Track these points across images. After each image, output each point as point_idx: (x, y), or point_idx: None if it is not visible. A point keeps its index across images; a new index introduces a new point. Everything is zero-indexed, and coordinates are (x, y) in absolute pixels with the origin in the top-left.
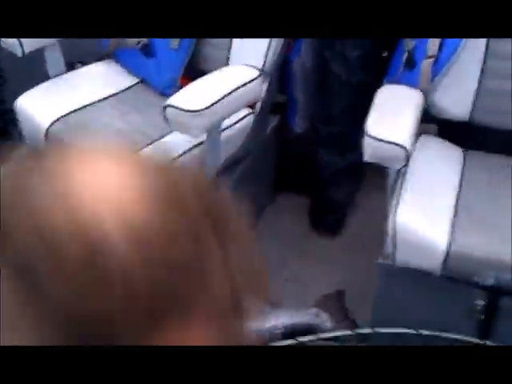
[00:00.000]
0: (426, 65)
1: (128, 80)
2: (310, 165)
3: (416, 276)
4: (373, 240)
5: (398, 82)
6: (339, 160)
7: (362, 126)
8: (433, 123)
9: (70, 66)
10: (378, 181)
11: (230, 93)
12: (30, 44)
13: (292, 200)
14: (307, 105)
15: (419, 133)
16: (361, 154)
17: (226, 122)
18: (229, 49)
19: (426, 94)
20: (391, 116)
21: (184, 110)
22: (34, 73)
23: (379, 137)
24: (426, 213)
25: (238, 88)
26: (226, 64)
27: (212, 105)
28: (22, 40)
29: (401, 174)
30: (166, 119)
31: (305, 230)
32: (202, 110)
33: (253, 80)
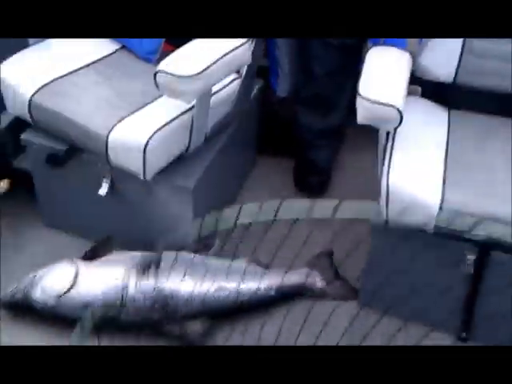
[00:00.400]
0: None
1: (110, 46)
2: (292, 127)
3: (408, 234)
4: (356, 200)
5: (384, 43)
6: (321, 122)
7: (344, 88)
8: (417, 84)
9: None
10: (359, 142)
11: (220, 57)
12: None
13: (276, 163)
14: (290, 68)
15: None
16: (342, 116)
17: (214, 88)
18: None
19: (414, 56)
20: (383, 77)
21: (176, 76)
22: (16, 41)
23: (372, 98)
24: (417, 171)
25: (228, 53)
26: None
27: (204, 70)
28: None
29: (390, 134)
30: (157, 85)
31: (290, 192)
32: (195, 75)
33: (242, 45)
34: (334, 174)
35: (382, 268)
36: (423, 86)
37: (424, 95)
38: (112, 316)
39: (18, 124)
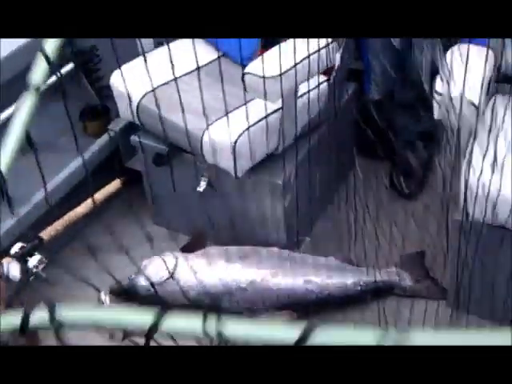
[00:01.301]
0: None
1: (211, 54)
2: (387, 130)
3: (490, 232)
4: (452, 201)
5: (470, 42)
6: (418, 124)
7: None
8: (507, 83)
9: (158, 43)
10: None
11: (304, 59)
12: None
13: (372, 164)
14: (383, 70)
15: (494, 92)
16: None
17: (303, 89)
18: None
19: (499, 53)
20: (461, 74)
21: (260, 76)
22: (126, 50)
23: (449, 94)
24: (499, 169)
25: (313, 53)
26: None
27: (288, 70)
28: None
29: (474, 132)
30: (244, 86)
31: (385, 193)
32: (279, 75)
33: (327, 45)
34: (430, 175)
35: (468, 267)
36: None
37: None
38: (205, 304)
39: (129, 128)
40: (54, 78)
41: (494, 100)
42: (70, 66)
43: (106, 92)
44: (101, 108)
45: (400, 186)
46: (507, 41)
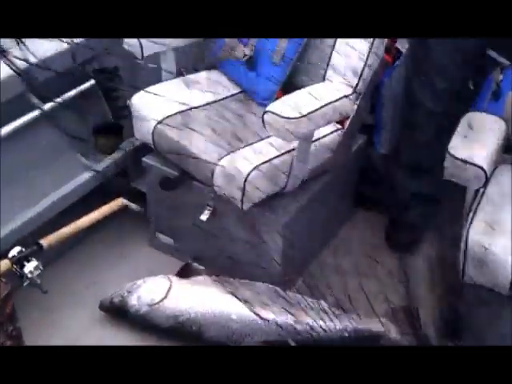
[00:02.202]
0: (510, 97)
1: (231, 89)
2: (389, 185)
3: (484, 294)
4: (443, 264)
5: (484, 112)
6: (419, 185)
7: (444, 156)
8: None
9: (180, 73)
10: (454, 211)
11: (324, 105)
12: (150, 48)
13: (371, 217)
14: (393, 128)
15: (501, 162)
16: (438, 183)
17: (316, 135)
18: (326, 66)
19: (510, 124)
20: (474, 139)
21: (282, 117)
22: (149, 75)
23: (461, 157)
24: (498, 233)
25: (332, 102)
26: (323, 80)
27: (307, 114)
28: (143, 43)
29: (478, 194)
30: (264, 124)
31: (380, 245)
32: (299, 117)
33: (346, 96)
34: (425, 236)
35: (456, 324)
36: None
37: None
38: (192, 331)
39: (142, 149)
40: (72, 93)
41: (499, 169)
42: (90, 83)
43: (121, 112)
44: (114, 126)
45: (395, 241)
46: None
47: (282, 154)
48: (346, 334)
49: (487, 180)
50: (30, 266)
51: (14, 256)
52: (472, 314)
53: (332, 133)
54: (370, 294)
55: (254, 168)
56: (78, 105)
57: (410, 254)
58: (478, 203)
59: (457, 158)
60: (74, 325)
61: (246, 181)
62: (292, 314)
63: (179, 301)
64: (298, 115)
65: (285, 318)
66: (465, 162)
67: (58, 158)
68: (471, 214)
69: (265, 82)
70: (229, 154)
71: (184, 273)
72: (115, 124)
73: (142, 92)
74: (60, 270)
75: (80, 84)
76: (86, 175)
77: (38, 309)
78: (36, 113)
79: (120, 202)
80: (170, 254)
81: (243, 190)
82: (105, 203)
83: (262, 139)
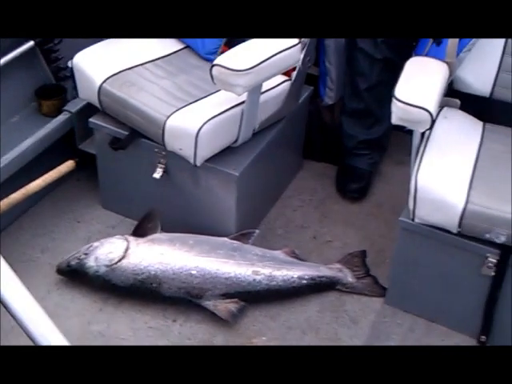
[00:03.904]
0: (452, 41)
1: (175, 45)
2: (337, 135)
3: (433, 233)
4: (392, 208)
5: (426, 55)
6: (364, 133)
7: (387, 102)
8: (456, 97)
9: None
10: (399, 156)
11: (271, 56)
12: None
13: (320, 167)
14: (338, 78)
15: (443, 105)
16: (384, 129)
17: (264, 87)
18: None
19: (451, 68)
20: (419, 83)
21: (230, 69)
22: None
23: (407, 101)
24: (446, 174)
25: (279, 52)
26: None
27: (255, 66)
28: None
29: (424, 138)
30: (212, 77)
31: (331, 195)
32: (247, 69)
33: (292, 46)
34: (374, 181)
35: (408, 267)
36: (462, 100)
37: (463, 108)
38: (153, 288)
39: (87, 110)
40: (10, 56)
41: (443, 112)
42: (29, 44)
43: (62, 73)
44: (57, 88)
45: (345, 190)
46: (462, 56)
47: (232, 107)
48: (305, 282)
49: (433, 123)
50: None
51: None
52: (420, 251)
53: (280, 84)
54: (325, 242)
55: (205, 123)
56: (18, 68)
57: (360, 201)
58: (425, 146)
59: (403, 102)
60: (32, 292)
61: (197, 136)
62: (250, 266)
63: (138, 259)
64: (245, 67)
65: (244, 271)
66: (411, 105)
67: (1, 124)
68: (419, 157)
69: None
70: (178, 110)
71: (140, 232)
72: (57, 86)
73: (84, 51)
74: (13, 237)
75: (18, 46)
76: (32, 140)
77: None
78: None
79: (71, 163)
80: (125, 214)
81: (195, 145)
82: (53, 168)
83: (211, 93)
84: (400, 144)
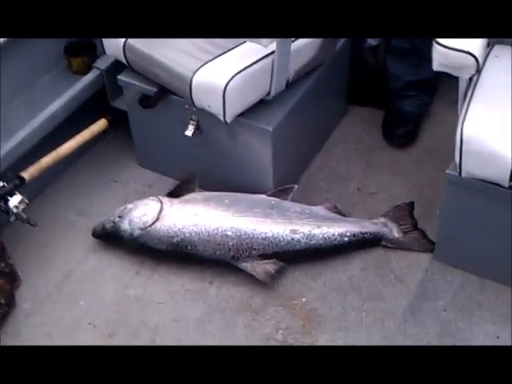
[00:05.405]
0: None
1: None
2: (382, 77)
3: (482, 187)
4: (444, 153)
5: None
6: (411, 73)
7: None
8: None
9: None
10: (451, 96)
11: None
12: None
13: (365, 112)
14: None
15: (494, 42)
16: (432, 68)
17: None
18: None
19: None
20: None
21: None
22: None
23: (448, 45)
24: (495, 123)
25: None
26: None
27: None
28: None
29: (472, 83)
30: None
31: (377, 142)
32: None
33: None
34: (424, 124)
35: (457, 221)
36: None
37: None
38: (188, 250)
39: (117, 66)
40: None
41: (494, 50)
42: None
43: None
44: (86, 44)
45: (392, 135)
46: None
47: (262, 58)
48: (346, 239)
49: (479, 67)
50: (14, 201)
51: None
52: (470, 207)
53: None
54: (369, 195)
55: (232, 78)
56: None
57: (408, 147)
58: (473, 92)
59: (444, 46)
60: (68, 256)
61: (224, 92)
62: (289, 225)
63: (172, 221)
64: None
65: (282, 230)
66: (453, 49)
67: (31, 84)
68: (465, 105)
69: None
70: (205, 64)
71: (177, 192)
72: (87, 42)
73: None
74: (48, 202)
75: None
76: (63, 100)
77: (29, 243)
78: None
79: (103, 122)
80: (161, 172)
81: (223, 102)
82: (86, 127)
83: (238, 45)
84: (454, 81)
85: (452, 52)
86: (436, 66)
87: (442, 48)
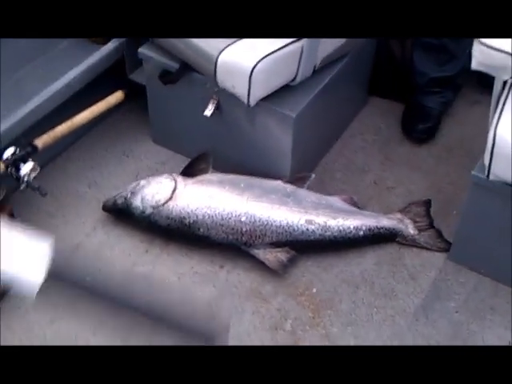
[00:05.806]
0: None
1: None
2: (406, 70)
3: (509, 192)
4: (464, 153)
5: None
6: (437, 69)
7: (465, 39)
8: None
9: None
10: (474, 96)
11: None
12: None
13: (385, 104)
14: None
15: None
16: (459, 67)
17: None
18: None
19: None
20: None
21: None
22: None
23: (490, 44)
24: None
25: None
26: None
27: None
28: None
29: (507, 84)
30: None
31: (396, 135)
32: None
33: None
34: (445, 122)
35: (479, 223)
36: None
37: None
38: (200, 233)
39: (137, 38)
40: None
41: None
42: None
43: None
44: None
45: (411, 130)
46: None
47: (291, 42)
48: (361, 233)
49: None
50: (26, 168)
51: (8, 158)
52: (493, 210)
53: None
54: (386, 189)
55: (260, 60)
56: None
57: (427, 144)
58: (507, 94)
59: (485, 45)
60: (77, 228)
61: (251, 75)
62: (304, 214)
63: (185, 202)
64: None
65: (297, 219)
66: (496, 49)
67: (48, 51)
68: (499, 108)
69: None
70: (233, 43)
71: (191, 171)
72: None
73: None
74: (60, 169)
75: None
76: (80, 68)
77: (38, 212)
78: None
79: (120, 94)
80: (175, 150)
81: (249, 84)
82: (102, 98)
83: None
84: (475, 82)
85: (494, 52)
86: (475, 65)
87: (484, 47)
